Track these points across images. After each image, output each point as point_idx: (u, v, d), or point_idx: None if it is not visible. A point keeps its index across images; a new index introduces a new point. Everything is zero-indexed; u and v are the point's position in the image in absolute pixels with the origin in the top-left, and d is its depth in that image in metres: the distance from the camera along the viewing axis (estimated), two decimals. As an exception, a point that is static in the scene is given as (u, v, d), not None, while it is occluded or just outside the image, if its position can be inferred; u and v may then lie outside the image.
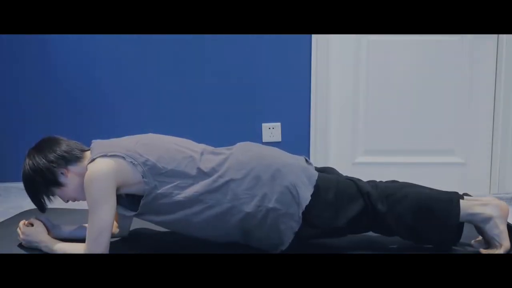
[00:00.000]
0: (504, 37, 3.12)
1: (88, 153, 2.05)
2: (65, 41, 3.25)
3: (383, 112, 3.26)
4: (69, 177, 2.03)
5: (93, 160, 1.97)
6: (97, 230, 1.92)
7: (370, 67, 3.23)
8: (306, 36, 3.15)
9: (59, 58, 3.29)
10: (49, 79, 3.31)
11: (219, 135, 3.18)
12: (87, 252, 1.93)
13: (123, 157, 1.96)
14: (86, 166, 1.98)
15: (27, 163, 2.01)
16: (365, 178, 2.08)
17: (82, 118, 3.33)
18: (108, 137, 2.09)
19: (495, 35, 3.14)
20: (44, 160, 2.00)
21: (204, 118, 3.28)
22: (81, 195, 2.02)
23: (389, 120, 3.27)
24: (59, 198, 2.07)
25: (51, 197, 2.05)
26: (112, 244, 1.96)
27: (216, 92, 3.26)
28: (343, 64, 3.23)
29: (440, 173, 3.26)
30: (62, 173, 2.02)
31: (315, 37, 3.16)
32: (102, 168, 1.94)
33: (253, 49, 3.22)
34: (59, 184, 2.02)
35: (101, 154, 1.98)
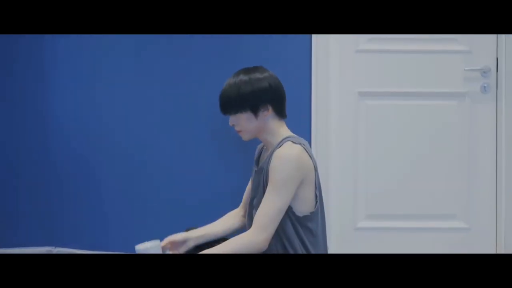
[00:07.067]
0: (503, 95, 3.16)
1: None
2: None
3: (383, 177, 3.24)
4: (262, 115, 2.08)
5: (294, 143, 2.02)
6: (272, 213, 1.92)
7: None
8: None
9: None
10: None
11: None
12: (247, 240, 1.92)
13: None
14: (281, 139, 2.05)
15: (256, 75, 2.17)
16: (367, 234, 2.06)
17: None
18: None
19: (494, 92, 3.17)
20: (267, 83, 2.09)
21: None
22: (250, 136, 2.11)
23: (390, 183, 3.23)
24: None
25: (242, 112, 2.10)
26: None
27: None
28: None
29: (443, 238, 3.23)
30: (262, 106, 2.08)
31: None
32: (304, 157, 1.99)
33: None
34: (255, 109, 2.07)
35: (304, 146, 2.03)
